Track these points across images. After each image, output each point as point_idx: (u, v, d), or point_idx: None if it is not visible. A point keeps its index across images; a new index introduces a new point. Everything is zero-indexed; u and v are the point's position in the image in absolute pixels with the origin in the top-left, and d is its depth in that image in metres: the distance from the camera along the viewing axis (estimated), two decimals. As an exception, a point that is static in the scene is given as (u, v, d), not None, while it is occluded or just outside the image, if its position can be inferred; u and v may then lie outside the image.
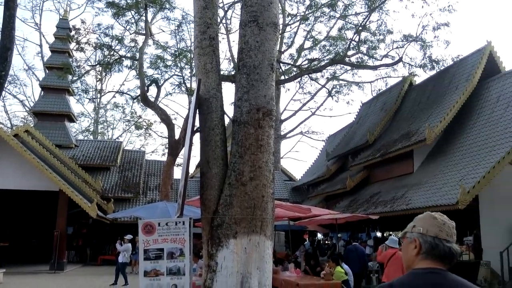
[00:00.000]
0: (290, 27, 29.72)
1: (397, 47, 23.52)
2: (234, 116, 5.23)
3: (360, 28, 23.29)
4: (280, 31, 28.17)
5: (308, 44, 28.46)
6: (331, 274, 10.18)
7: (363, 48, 24.13)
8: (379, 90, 28.16)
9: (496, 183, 14.18)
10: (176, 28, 26.14)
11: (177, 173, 26.80)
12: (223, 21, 27.96)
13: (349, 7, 23.62)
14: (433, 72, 22.71)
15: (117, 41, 24.72)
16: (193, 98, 5.48)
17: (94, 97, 42.60)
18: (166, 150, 31.47)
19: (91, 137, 46.46)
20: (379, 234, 26.40)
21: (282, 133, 39.27)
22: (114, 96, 57.53)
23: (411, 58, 26.70)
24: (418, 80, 24.71)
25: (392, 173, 20.57)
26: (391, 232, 28.53)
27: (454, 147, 17.54)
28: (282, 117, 38.50)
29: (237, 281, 4.76)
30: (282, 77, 25.43)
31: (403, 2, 31.88)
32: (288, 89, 71.08)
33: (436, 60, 22.52)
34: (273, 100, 5.26)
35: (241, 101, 5.15)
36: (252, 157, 4.94)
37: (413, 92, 23.86)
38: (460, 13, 66.64)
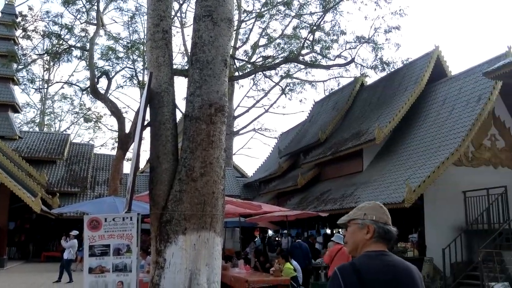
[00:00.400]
0: (246, 24, 29.80)
1: (349, 48, 23.99)
2: (186, 111, 5.17)
3: (315, 27, 23.59)
4: (235, 27, 28.14)
5: (263, 41, 28.59)
6: (280, 270, 10.28)
7: (317, 48, 24.46)
8: (332, 89, 28.64)
9: (440, 182, 14.73)
10: (129, 19, 25.61)
11: (127, 167, 26.32)
12: (178, 14, 27.63)
13: (304, 6, 23.88)
14: (384, 74, 23.33)
15: (66, 30, 23.92)
16: (144, 92, 5.38)
17: (41, 87, 41.11)
18: (116, 144, 30.78)
19: (37, 129, 44.76)
20: (328, 231, 26.88)
21: (235, 130, 39.28)
22: (62, 87, 55.81)
23: (363, 59, 27.41)
24: (369, 80, 25.32)
25: (342, 171, 20.97)
26: (340, 230, 29.13)
27: (402, 147, 18.09)
28: (235, 114, 38.50)
29: (186, 277, 4.72)
30: (236, 74, 25.40)
31: (356, 4, 32.46)
32: (242, 86, 71.37)
33: (387, 62, 23.12)
34: (226, 96, 5.24)
35: (193, 96, 5.11)
36: (203, 153, 4.90)
37: (364, 93, 24.41)
38: (411, 17, 68.82)
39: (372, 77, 24.89)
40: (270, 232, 27.45)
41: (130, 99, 75.66)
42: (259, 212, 14.24)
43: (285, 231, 19.33)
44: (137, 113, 22.35)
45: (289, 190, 24.01)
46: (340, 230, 22.20)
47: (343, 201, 17.30)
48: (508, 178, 15.03)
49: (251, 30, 29.90)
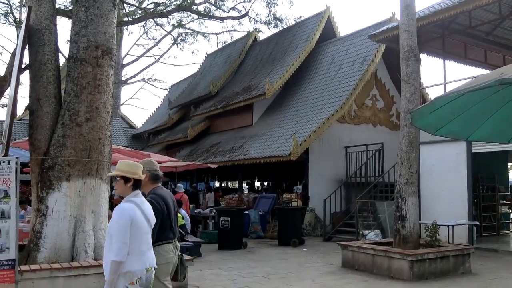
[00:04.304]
0: (137, -34, 28.09)
1: (244, 1, 23.88)
2: (70, 52, 4.86)
3: (210, -23, 23.05)
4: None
5: (155, -14, 27.28)
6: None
7: (211, -2, 23.98)
8: (225, 42, 28.49)
9: (324, 138, 15.64)
10: None
11: (2, 114, 24.22)
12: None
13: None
14: (276, 30, 23.68)
15: None
16: (22, 28, 4.94)
17: None
18: (-10, 89, 28.01)
19: None
20: (217, 183, 27.38)
21: (123, 79, 37.66)
22: None
23: (257, 14, 27.54)
24: (262, 36, 25.58)
25: (232, 124, 21.27)
26: (229, 182, 29.79)
27: (291, 102, 18.74)
28: (124, 62, 36.81)
29: (70, 225, 4.58)
30: (126, 19, 24.14)
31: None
32: (132, 32, 68.00)
33: (280, 18, 23.43)
34: (114, 39, 5.01)
35: (78, 36, 4.80)
36: (89, 97, 4.69)
37: (256, 48, 24.66)
38: (304, -24, 69.85)
39: (265, 32, 25.19)
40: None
41: (5, 39, 68.68)
42: (148, 162, 14.05)
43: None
44: (13, 54, 20.48)
45: (179, 142, 23.90)
46: (229, 182, 22.65)
47: (233, 154, 17.65)
48: (384, 135, 16.35)
49: (143, -27, 28.29)
